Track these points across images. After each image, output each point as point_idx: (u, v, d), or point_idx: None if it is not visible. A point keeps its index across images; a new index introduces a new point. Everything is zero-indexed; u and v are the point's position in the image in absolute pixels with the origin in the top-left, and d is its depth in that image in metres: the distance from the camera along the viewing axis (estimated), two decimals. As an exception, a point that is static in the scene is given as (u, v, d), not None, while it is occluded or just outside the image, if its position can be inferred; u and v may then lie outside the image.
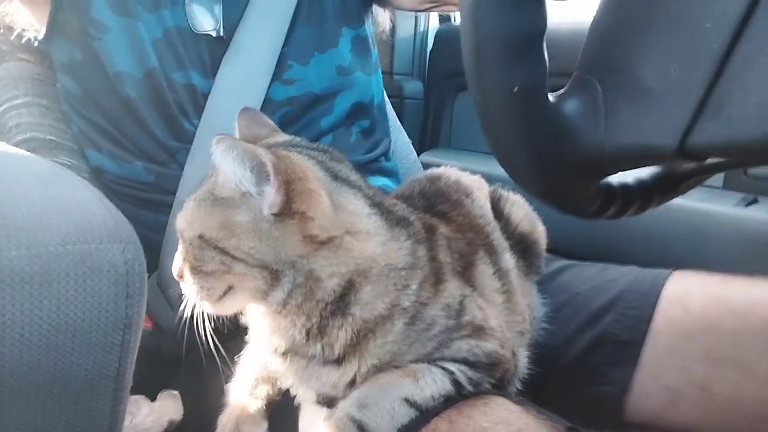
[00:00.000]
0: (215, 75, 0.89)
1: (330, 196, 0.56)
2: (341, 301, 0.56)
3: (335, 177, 0.59)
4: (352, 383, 0.58)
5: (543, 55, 0.40)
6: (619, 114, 0.39)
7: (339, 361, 0.58)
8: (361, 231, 0.56)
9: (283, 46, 0.93)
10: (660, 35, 0.36)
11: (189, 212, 0.58)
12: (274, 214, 0.54)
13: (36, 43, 0.91)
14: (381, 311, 0.56)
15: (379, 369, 0.57)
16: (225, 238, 0.55)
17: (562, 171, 0.44)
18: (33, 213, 0.39)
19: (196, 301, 0.59)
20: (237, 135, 0.67)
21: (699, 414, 0.75)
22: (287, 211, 0.54)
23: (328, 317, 0.56)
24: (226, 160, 0.54)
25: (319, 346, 0.58)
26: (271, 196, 0.53)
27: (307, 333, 0.58)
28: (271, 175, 0.52)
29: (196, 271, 0.57)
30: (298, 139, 0.67)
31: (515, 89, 0.40)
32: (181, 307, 0.85)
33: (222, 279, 0.57)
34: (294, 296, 0.56)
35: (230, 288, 0.58)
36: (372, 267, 0.56)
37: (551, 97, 0.41)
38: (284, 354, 0.60)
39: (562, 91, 0.42)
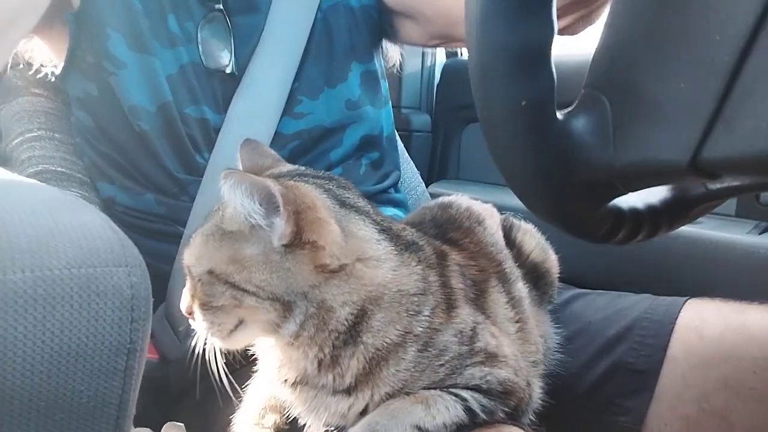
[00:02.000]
0: (227, 110, 0.91)
1: (339, 223, 0.56)
2: (353, 330, 0.55)
3: (343, 204, 0.59)
4: (364, 412, 0.57)
5: (551, 69, 0.40)
6: (628, 130, 0.39)
7: (349, 391, 0.57)
8: (371, 257, 0.56)
9: (294, 82, 0.94)
10: (668, 50, 0.36)
11: (197, 248, 0.58)
12: (285, 246, 0.54)
13: (53, 79, 0.93)
14: (394, 338, 0.56)
15: (390, 396, 0.56)
16: (235, 272, 0.55)
17: (570, 190, 0.43)
18: (38, 236, 0.39)
19: (207, 337, 0.59)
20: (240, 166, 0.68)
21: (719, 445, 0.73)
22: (297, 241, 0.54)
23: (341, 347, 0.56)
24: (234, 194, 0.54)
25: (330, 376, 0.57)
26: (281, 228, 0.53)
27: (319, 364, 0.57)
28: (281, 206, 0.53)
29: (206, 306, 0.57)
30: (303, 168, 0.67)
31: (523, 103, 0.39)
32: (190, 341, 0.84)
33: (233, 313, 0.57)
34: (306, 327, 0.55)
35: (241, 322, 0.57)
36: (384, 294, 0.56)
37: (559, 114, 0.41)
38: (294, 385, 0.59)
39: (570, 108, 0.42)
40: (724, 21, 0.33)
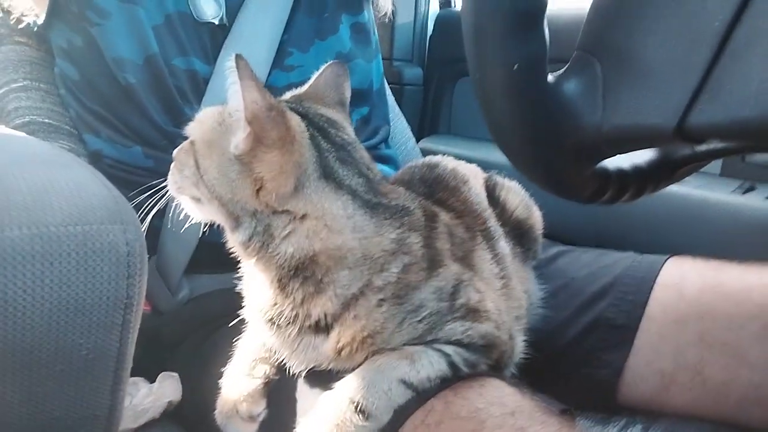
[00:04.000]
0: (216, 60, 0.89)
1: (299, 184, 0.57)
2: (306, 271, 0.57)
3: (325, 176, 0.58)
4: (339, 353, 0.58)
5: (544, 33, 0.40)
6: (618, 94, 0.39)
7: (326, 331, 0.59)
8: (331, 226, 0.57)
9: (284, 34, 0.93)
10: (661, 15, 0.36)
11: (205, 114, 0.61)
12: (236, 158, 0.56)
13: (35, 28, 0.91)
14: (355, 291, 0.57)
15: (363, 342, 0.58)
16: (204, 155, 0.58)
17: (559, 152, 0.44)
18: (34, 193, 0.40)
19: (171, 190, 0.63)
20: (311, 81, 0.69)
21: (691, 397, 0.76)
22: (248, 163, 0.56)
23: (288, 276, 0.58)
24: (229, 81, 0.55)
25: (287, 305, 0.59)
26: (239, 138, 0.55)
27: (271, 284, 0.59)
28: (242, 121, 0.54)
29: (177, 167, 0.60)
30: (340, 125, 0.66)
31: (515, 67, 0.40)
32: (182, 293, 0.85)
33: (192, 188, 0.59)
34: (253, 241, 0.58)
35: (199, 200, 0.60)
36: (346, 255, 0.57)
37: (550, 76, 0.41)
38: (271, 321, 0.61)
39: (561, 70, 0.42)
40: None
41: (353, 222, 0.58)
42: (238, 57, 0.54)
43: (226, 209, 0.58)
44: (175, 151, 0.63)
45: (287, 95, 0.69)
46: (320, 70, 0.70)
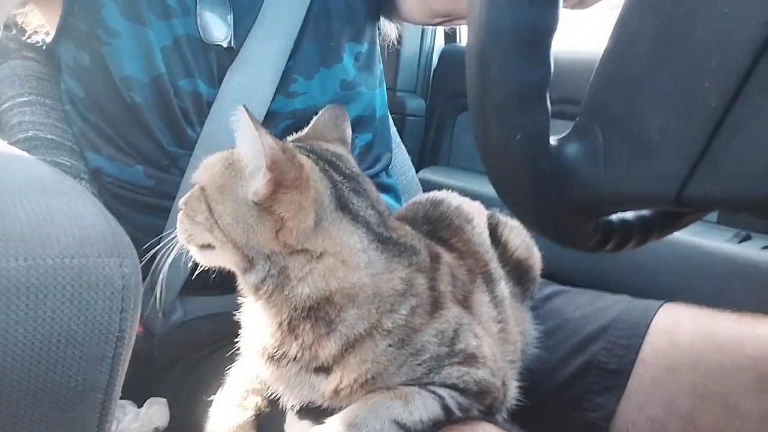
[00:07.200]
0: (221, 84, 0.90)
1: (318, 219, 0.57)
2: (320, 312, 0.57)
3: (342, 207, 0.59)
4: (337, 393, 0.58)
5: (546, 105, 0.41)
6: (618, 161, 0.40)
7: (327, 371, 0.59)
8: (348, 262, 0.57)
9: (289, 60, 0.93)
10: (661, 90, 0.37)
11: (210, 161, 0.62)
12: (256, 203, 0.56)
13: (45, 46, 0.92)
14: (361, 331, 0.57)
15: (364, 384, 0.58)
16: (217, 201, 0.58)
17: (562, 210, 0.45)
18: (32, 223, 0.39)
19: (180, 239, 0.63)
20: (311, 123, 0.71)
21: (682, 447, 0.76)
22: (268, 206, 0.56)
23: (300, 319, 0.58)
24: (237, 131, 0.56)
25: (295, 346, 0.59)
26: (258, 185, 0.55)
27: (279, 326, 0.59)
28: (264, 167, 0.54)
29: (188, 214, 0.61)
30: (345, 158, 0.67)
31: (517, 137, 0.40)
32: (175, 316, 0.85)
33: (206, 234, 0.60)
34: (266, 284, 0.58)
35: (211, 246, 0.60)
36: (359, 293, 0.57)
37: (553, 139, 0.42)
38: (271, 358, 0.61)
39: (564, 134, 0.43)
40: (714, 69, 0.34)
41: (367, 256, 0.58)
42: (245, 108, 0.55)
43: (240, 252, 0.58)
44: (181, 201, 0.63)
45: (289, 139, 0.70)
46: (319, 113, 0.71)
